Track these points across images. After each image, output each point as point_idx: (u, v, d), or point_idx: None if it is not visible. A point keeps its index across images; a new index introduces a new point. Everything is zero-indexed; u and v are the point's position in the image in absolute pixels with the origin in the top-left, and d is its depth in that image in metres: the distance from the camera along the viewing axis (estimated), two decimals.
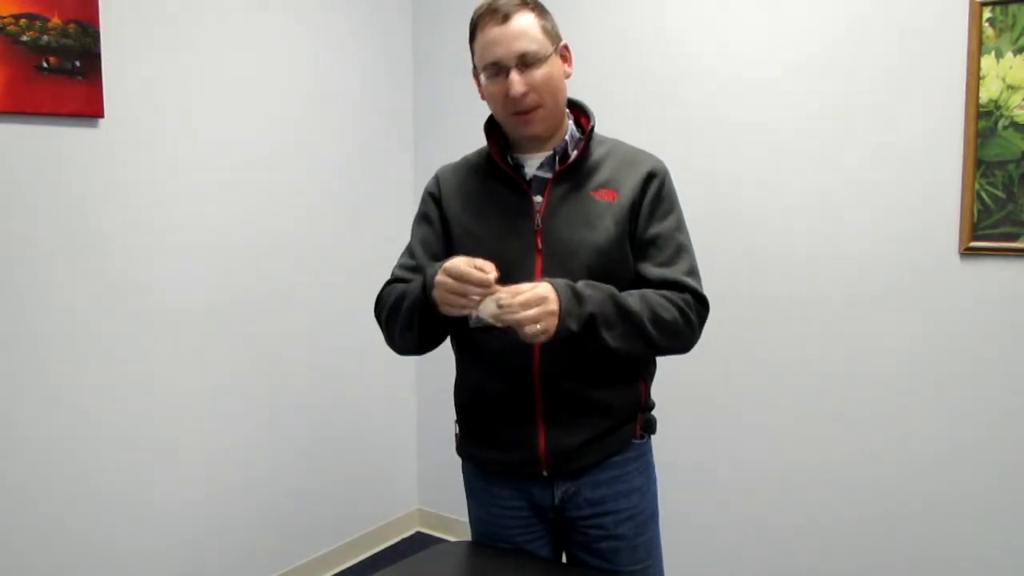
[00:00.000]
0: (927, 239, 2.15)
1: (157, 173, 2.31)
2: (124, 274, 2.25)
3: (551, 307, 1.22)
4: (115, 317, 2.23)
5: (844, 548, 2.33)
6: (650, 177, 1.41)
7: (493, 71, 1.35)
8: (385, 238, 3.07)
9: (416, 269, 1.45)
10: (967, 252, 2.09)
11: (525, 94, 1.34)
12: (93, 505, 2.20)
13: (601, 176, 1.41)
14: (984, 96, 2.03)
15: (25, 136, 2.02)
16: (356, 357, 2.98)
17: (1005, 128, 2.01)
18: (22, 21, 1.96)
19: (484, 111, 1.46)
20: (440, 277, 1.25)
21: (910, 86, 2.14)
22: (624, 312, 1.30)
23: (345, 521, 2.97)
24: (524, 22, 1.34)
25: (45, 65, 2.01)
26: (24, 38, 1.97)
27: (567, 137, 1.43)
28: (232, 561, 2.59)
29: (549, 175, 1.41)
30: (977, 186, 2.06)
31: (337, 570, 2.92)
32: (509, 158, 1.43)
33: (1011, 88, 1.99)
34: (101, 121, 2.16)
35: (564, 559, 1.58)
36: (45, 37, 2.00)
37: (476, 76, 1.45)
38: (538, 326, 1.21)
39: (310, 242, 2.79)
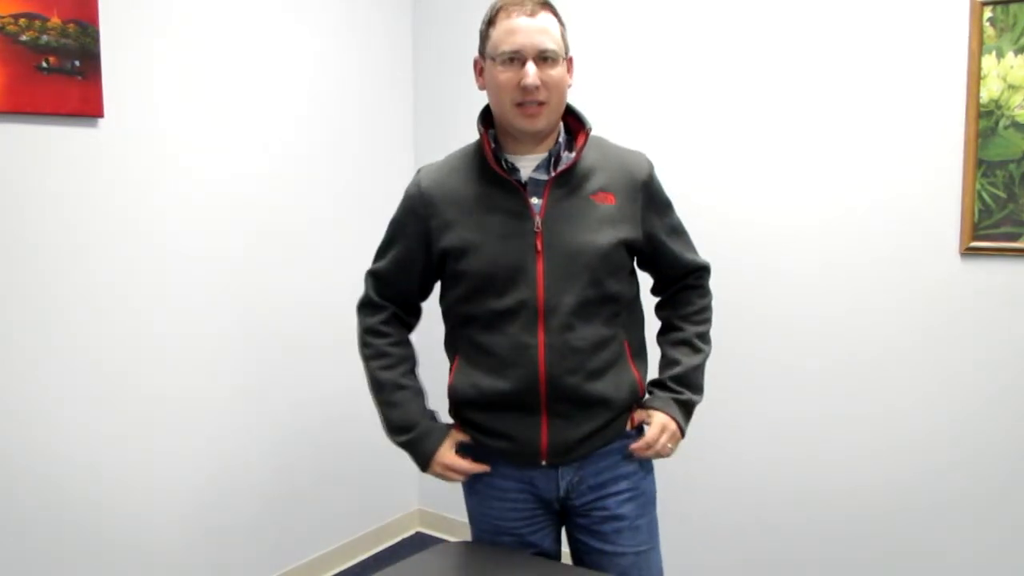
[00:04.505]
0: (927, 239, 2.14)
1: (157, 173, 2.31)
2: (123, 274, 2.25)
3: (665, 424, 1.53)
4: (114, 317, 2.23)
5: (843, 545, 2.33)
6: (647, 183, 1.49)
7: (509, 59, 1.37)
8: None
9: (389, 287, 1.61)
10: (968, 252, 2.09)
11: (538, 87, 1.36)
12: (92, 505, 2.20)
13: (597, 180, 1.45)
14: (985, 96, 2.02)
15: (25, 136, 2.01)
16: (356, 357, 2.97)
17: (1006, 128, 2.01)
18: (21, 21, 1.96)
19: None
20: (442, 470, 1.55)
21: (910, 86, 2.14)
22: (698, 368, 1.57)
23: (345, 521, 2.97)
24: (548, 21, 1.39)
25: (45, 65, 2.00)
26: (24, 38, 1.96)
27: (560, 140, 1.46)
28: (232, 561, 2.59)
29: (546, 177, 1.43)
30: (978, 186, 2.05)
31: (337, 570, 2.92)
32: (503, 161, 1.43)
33: (1012, 88, 1.99)
34: (101, 121, 2.16)
35: (565, 546, 1.59)
36: (45, 37, 2.00)
37: (477, 65, 1.45)
38: (663, 438, 1.51)
39: (310, 241, 2.79)
